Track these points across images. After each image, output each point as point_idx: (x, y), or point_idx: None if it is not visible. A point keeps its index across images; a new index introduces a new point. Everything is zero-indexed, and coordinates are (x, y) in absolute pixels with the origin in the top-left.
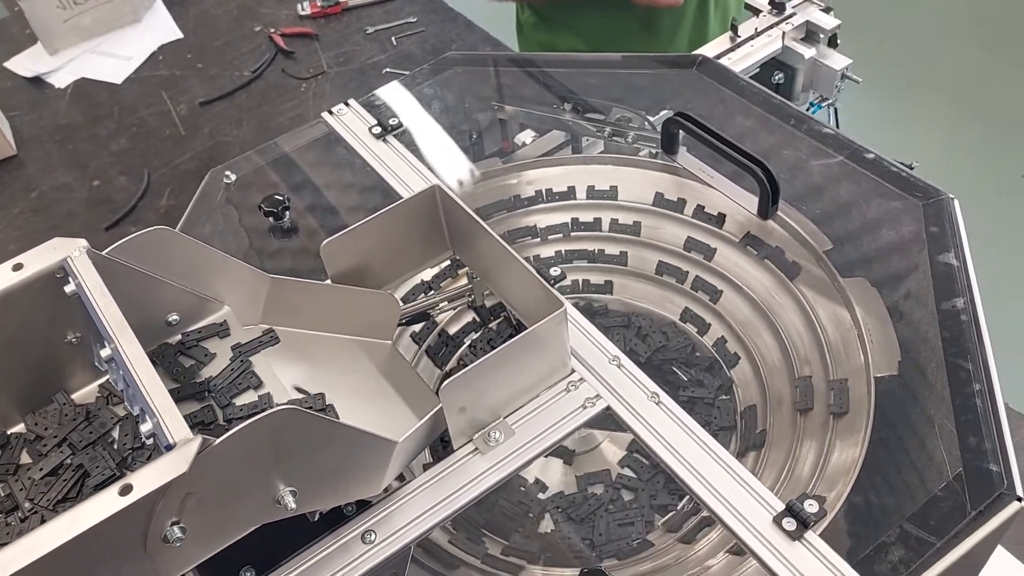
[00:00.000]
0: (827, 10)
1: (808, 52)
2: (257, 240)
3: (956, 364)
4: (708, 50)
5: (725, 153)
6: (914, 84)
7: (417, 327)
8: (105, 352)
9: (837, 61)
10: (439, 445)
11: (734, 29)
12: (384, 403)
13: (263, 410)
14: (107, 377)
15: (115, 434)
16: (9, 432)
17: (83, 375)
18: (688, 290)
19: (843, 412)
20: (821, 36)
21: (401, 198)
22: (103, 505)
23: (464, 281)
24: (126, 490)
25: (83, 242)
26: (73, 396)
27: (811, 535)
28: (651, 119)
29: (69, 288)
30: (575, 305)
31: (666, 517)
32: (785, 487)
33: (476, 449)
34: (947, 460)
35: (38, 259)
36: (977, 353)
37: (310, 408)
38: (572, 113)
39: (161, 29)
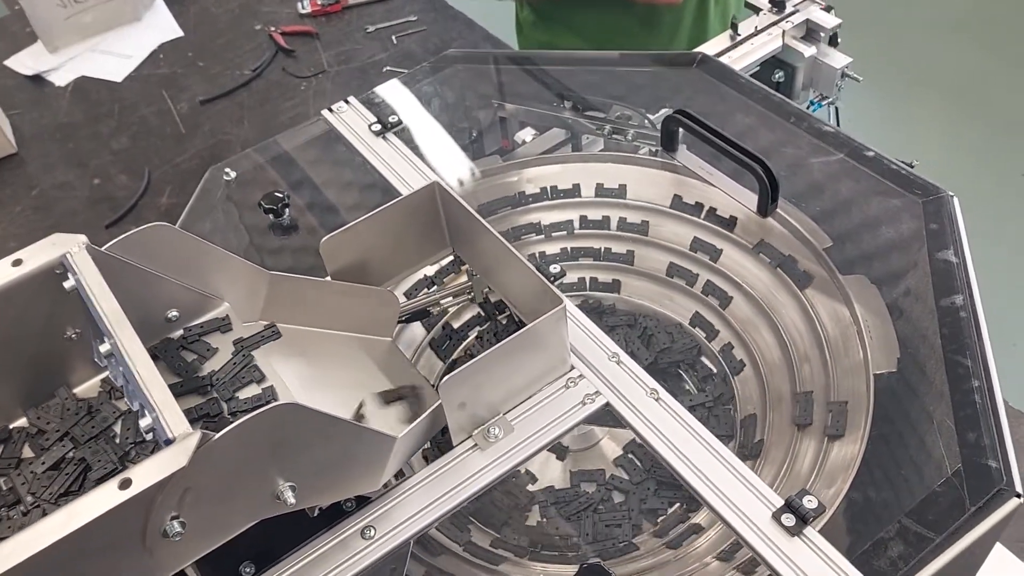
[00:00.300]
0: (828, 9)
1: (808, 50)
2: (257, 237)
3: (955, 361)
4: (708, 48)
5: (725, 151)
6: (914, 83)
7: (424, 319)
8: (104, 348)
9: (837, 60)
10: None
11: (734, 27)
12: None
13: (267, 403)
14: (108, 372)
15: (117, 428)
16: (11, 426)
17: (85, 370)
18: (699, 294)
19: (839, 435)
20: (821, 34)
21: (400, 195)
22: (102, 499)
23: (466, 278)
24: (125, 484)
25: (82, 238)
26: (75, 391)
27: (810, 531)
28: (651, 117)
29: (68, 284)
30: (582, 303)
31: (656, 523)
32: (784, 483)
33: (475, 445)
34: (946, 456)
35: (38, 255)
36: (976, 350)
37: None
38: (572, 111)
39: (161, 27)
